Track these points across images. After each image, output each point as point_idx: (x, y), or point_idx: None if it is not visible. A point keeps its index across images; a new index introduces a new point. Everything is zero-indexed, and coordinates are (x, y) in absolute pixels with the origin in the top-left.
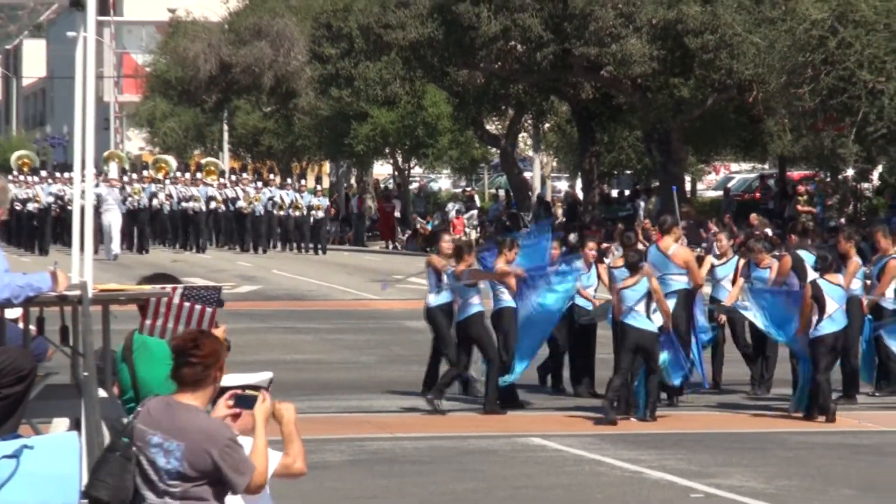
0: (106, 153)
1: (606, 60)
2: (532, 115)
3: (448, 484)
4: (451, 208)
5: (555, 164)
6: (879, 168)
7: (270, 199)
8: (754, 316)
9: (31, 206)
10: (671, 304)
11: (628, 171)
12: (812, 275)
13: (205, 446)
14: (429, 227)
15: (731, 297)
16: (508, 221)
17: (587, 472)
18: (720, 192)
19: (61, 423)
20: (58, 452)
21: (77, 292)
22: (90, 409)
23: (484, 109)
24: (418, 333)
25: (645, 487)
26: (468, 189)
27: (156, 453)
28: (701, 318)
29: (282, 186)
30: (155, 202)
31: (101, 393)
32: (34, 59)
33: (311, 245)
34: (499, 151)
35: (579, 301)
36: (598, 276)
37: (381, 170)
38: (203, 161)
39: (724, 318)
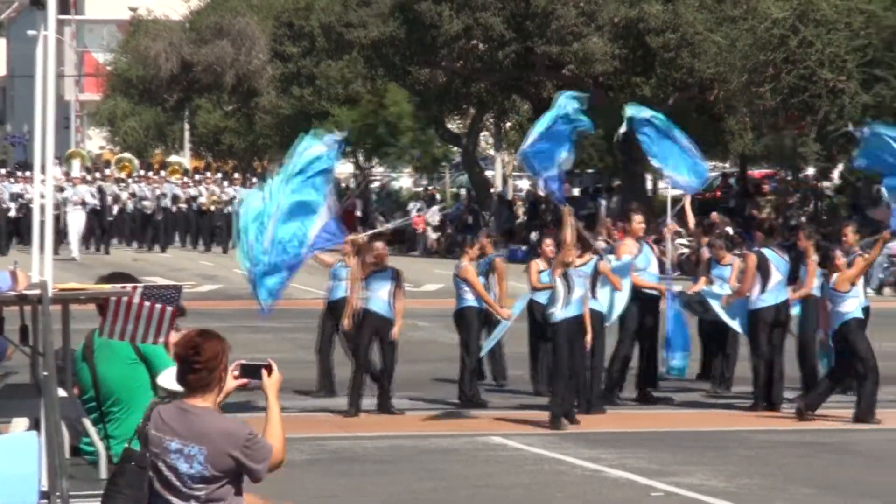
0: (69, 151)
1: (568, 59)
2: (494, 114)
3: (408, 483)
4: (413, 207)
5: (516, 162)
6: (840, 167)
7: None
8: (719, 308)
9: None
10: None
11: (590, 170)
12: (776, 277)
13: (227, 448)
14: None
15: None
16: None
17: (547, 471)
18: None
19: (20, 423)
20: (17, 452)
21: (37, 291)
22: (50, 408)
23: (445, 108)
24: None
25: (605, 486)
26: (430, 188)
27: (176, 459)
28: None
29: (247, 185)
30: (119, 201)
31: (61, 392)
32: None
33: None
34: (460, 150)
35: (539, 297)
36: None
37: (343, 168)
38: (168, 160)
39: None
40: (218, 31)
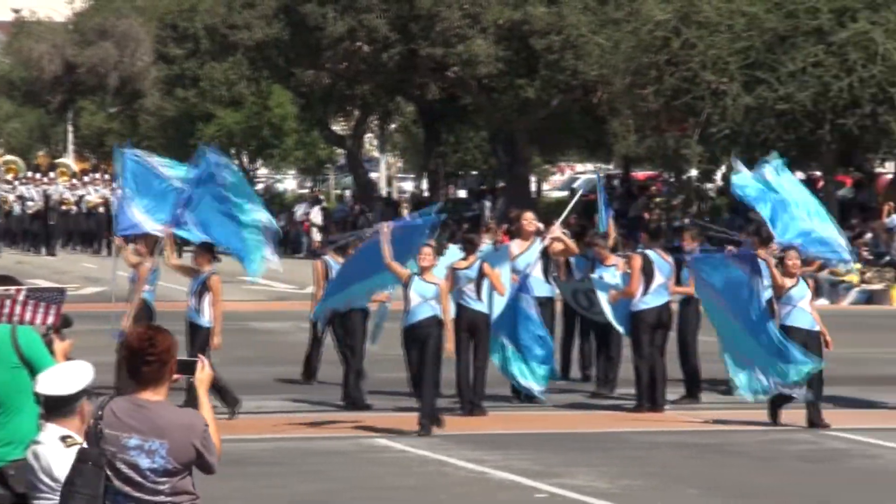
0: None
1: (452, 61)
2: (378, 116)
3: (293, 486)
4: (299, 209)
5: (401, 164)
6: (723, 168)
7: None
8: (605, 303)
9: None
10: None
11: (474, 172)
12: (659, 279)
13: (189, 439)
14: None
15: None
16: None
17: (432, 473)
18: (565, 193)
19: None
20: None
21: None
22: None
23: (330, 110)
24: (263, 335)
25: (490, 488)
26: (314, 189)
27: (136, 455)
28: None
29: None
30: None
31: None
32: None
33: None
34: (345, 152)
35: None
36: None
37: None
38: (56, 161)
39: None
40: (102, 33)
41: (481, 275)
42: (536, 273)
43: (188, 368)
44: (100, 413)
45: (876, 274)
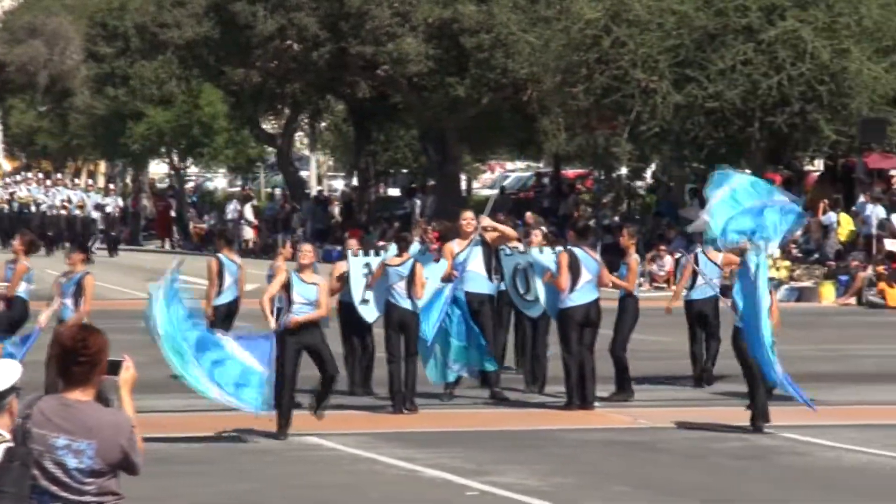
0: None
1: (382, 59)
2: (308, 115)
3: (223, 485)
4: (230, 209)
5: (331, 162)
6: (652, 166)
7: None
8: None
9: None
10: None
11: (404, 170)
12: (586, 276)
13: (117, 439)
14: (205, 227)
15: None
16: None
17: (363, 471)
18: (496, 191)
19: None
20: None
21: None
22: None
23: (260, 108)
24: None
25: (420, 486)
26: (245, 188)
27: (64, 455)
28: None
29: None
30: None
31: None
32: None
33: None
34: (275, 150)
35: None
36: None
37: (157, 169)
38: None
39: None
40: (31, 31)
41: (413, 273)
42: (478, 269)
43: (113, 369)
44: (28, 412)
45: (805, 271)
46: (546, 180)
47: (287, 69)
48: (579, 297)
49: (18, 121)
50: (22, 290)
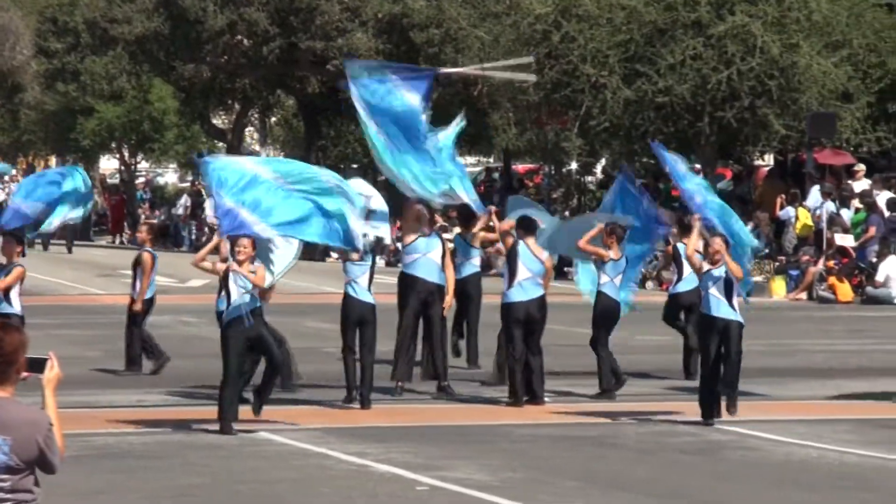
0: None
1: (332, 54)
2: (259, 110)
3: (174, 479)
4: (180, 203)
5: (282, 157)
6: (602, 161)
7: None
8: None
9: None
10: None
11: (355, 165)
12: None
13: (33, 435)
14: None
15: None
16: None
17: (314, 466)
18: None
19: None
20: None
21: None
22: None
23: (210, 104)
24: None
25: (371, 480)
26: (195, 183)
27: None
28: None
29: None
30: None
31: None
32: None
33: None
34: (226, 146)
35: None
36: None
37: (108, 164)
38: None
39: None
40: None
41: (374, 266)
42: (435, 257)
43: (39, 367)
44: None
45: (756, 266)
46: (496, 175)
47: (237, 64)
48: (516, 293)
49: None
50: None
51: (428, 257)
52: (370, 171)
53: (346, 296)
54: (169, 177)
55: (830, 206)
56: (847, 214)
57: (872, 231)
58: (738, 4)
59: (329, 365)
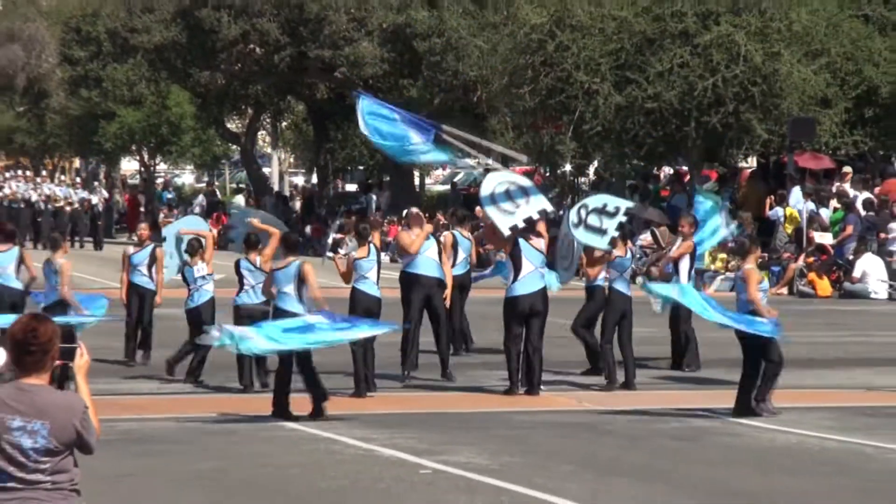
0: None
1: (340, 62)
2: (270, 114)
3: (193, 463)
4: (197, 203)
5: (292, 160)
6: (595, 163)
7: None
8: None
9: None
10: None
11: (361, 167)
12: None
13: (70, 419)
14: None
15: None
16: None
17: (322, 451)
18: (447, 187)
19: None
20: None
21: None
22: None
23: (225, 109)
24: (167, 321)
25: (377, 464)
26: (210, 184)
27: (20, 436)
28: None
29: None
30: None
31: None
32: None
33: (89, 239)
34: (239, 149)
35: None
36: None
37: (129, 165)
38: None
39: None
40: (10, 36)
41: (379, 262)
42: (433, 255)
43: (70, 355)
44: None
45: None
46: None
47: (250, 72)
48: (520, 287)
49: None
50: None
51: (426, 255)
52: (375, 172)
53: (355, 289)
54: (186, 178)
55: (810, 205)
56: (826, 214)
57: (850, 230)
58: (723, 15)
59: (335, 356)
